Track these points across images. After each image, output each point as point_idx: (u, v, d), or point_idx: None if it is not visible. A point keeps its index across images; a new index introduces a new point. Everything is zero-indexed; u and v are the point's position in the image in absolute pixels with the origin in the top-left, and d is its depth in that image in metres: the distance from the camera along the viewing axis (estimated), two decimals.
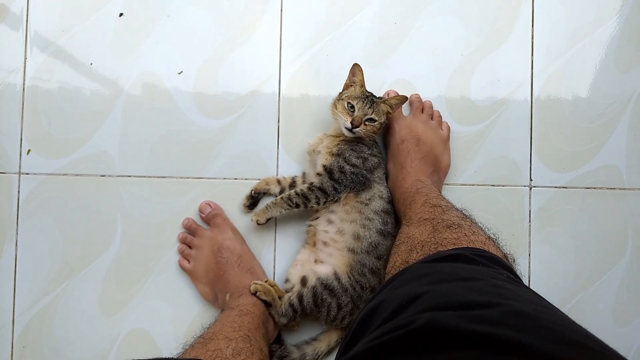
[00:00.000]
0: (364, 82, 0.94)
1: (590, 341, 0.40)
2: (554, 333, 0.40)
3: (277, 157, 1.02)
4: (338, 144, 0.95)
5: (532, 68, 1.06)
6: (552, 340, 0.39)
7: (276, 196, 0.98)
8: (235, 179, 1.01)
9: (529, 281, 1.05)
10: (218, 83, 1.02)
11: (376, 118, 0.91)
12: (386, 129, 1.02)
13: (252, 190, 0.99)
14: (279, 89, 1.02)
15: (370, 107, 0.90)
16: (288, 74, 1.03)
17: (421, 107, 1.02)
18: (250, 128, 1.02)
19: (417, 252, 0.71)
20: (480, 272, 0.58)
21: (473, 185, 1.05)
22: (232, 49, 1.02)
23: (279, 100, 1.02)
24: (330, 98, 0.98)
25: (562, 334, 0.40)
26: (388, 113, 0.95)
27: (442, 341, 0.42)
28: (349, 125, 0.90)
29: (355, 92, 0.93)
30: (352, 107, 0.91)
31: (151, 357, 0.65)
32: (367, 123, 0.91)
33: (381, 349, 0.45)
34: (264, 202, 1.00)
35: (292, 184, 1.00)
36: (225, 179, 1.01)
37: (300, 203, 0.91)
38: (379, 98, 0.94)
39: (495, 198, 1.04)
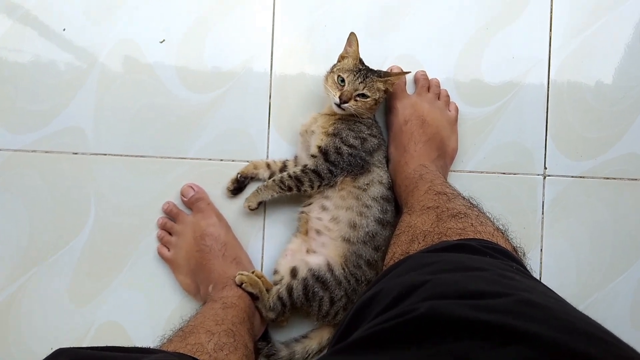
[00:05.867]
0: (358, 53, 0.91)
1: (605, 334, 0.40)
2: (567, 324, 0.40)
3: (268, 137, 0.99)
4: (334, 122, 0.92)
5: (549, 45, 1.03)
6: (564, 330, 0.39)
7: (265, 182, 0.95)
8: (221, 160, 0.98)
9: (540, 277, 1.03)
10: (204, 53, 0.98)
11: (368, 94, 0.88)
12: (388, 109, 0.99)
13: (238, 173, 0.96)
14: (271, 61, 0.99)
15: (362, 82, 0.87)
16: (281, 45, 0.99)
17: (427, 86, 1.00)
18: (238, 104, 0.98)
19: (419, 243, 0.70)
20: (487, 262, 0.58)
21: (482, 172, 1.02)
22: (220, 15, 0.98)
23: (270, 74, 0.99)
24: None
25: (575, 325, 0.40)
26: (386, 90, 0.92)
27: (444, 330, 0.42)
28: (337, 100, 0.87)
29: (348, 65, 0.91)
30: (343, 80, 0.88)
31: (129, 346, 0.62)
32: (357, 99, 0.88)
33: (379, 337, 0.45)
34: (251, 188, 0.97)
35: (283, 169, 0.97)
36: (210, 159, 0.98)
37: (292, 186, 0.89)
38: (377, 72, 0.91)
39: (506, 187, 1.02)
